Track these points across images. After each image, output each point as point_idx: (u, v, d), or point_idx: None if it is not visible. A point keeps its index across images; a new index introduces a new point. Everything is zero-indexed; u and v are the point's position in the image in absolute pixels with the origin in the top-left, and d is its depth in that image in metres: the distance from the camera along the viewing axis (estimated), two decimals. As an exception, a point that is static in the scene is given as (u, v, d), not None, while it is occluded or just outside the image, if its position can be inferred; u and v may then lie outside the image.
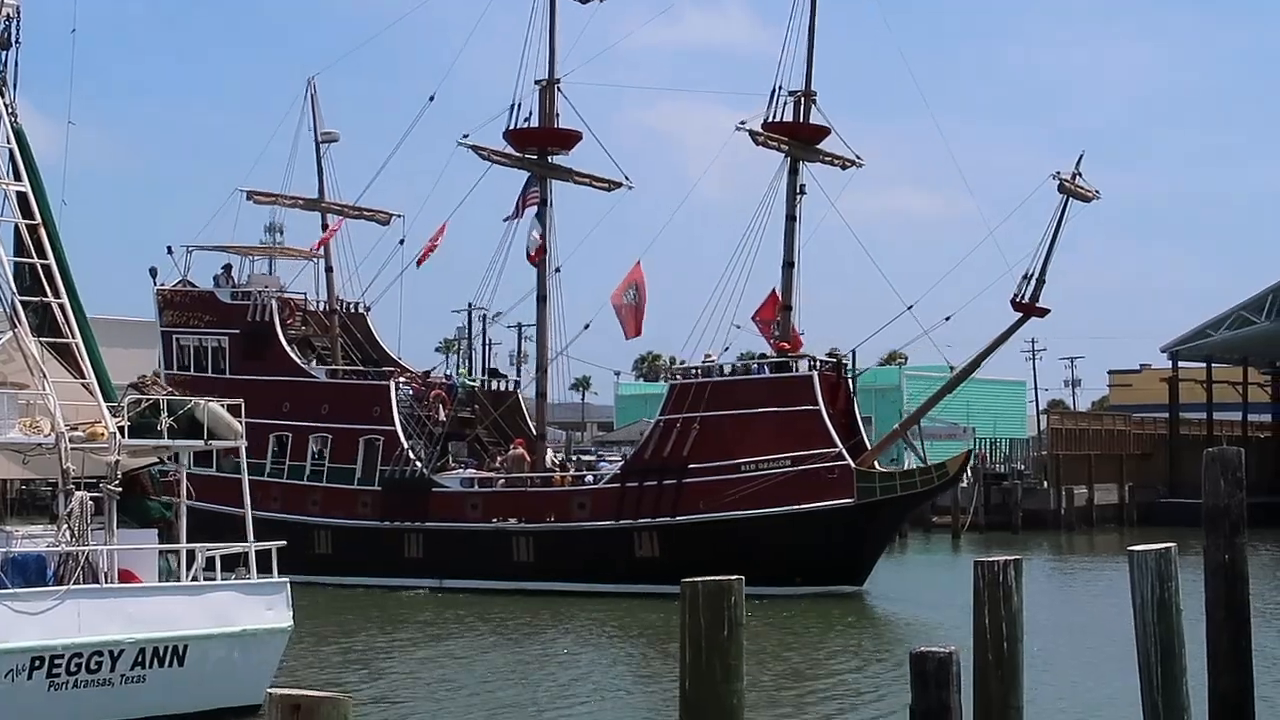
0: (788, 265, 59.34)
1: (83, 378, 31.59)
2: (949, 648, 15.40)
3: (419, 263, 63.71)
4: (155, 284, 66.37)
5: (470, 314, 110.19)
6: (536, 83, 62.37)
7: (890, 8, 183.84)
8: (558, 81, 62.33)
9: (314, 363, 65.08)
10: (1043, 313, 55.55)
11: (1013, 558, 16.33)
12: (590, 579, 56.83)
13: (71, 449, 29.94)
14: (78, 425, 30.53)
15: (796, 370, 57.96)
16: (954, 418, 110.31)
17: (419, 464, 60.66)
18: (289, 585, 31.80)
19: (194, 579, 31.26)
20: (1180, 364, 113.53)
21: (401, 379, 63.13)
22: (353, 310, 66.86)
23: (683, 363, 59.70)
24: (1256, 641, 20.11)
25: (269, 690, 9.79)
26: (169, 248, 66.28)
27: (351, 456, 61.93)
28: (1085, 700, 33.21)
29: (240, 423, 33.44)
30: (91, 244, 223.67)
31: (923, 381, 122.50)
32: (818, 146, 59.75)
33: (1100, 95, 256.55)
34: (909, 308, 57.15)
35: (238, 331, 64.66)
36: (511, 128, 62.35)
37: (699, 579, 14.67)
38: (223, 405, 33.26)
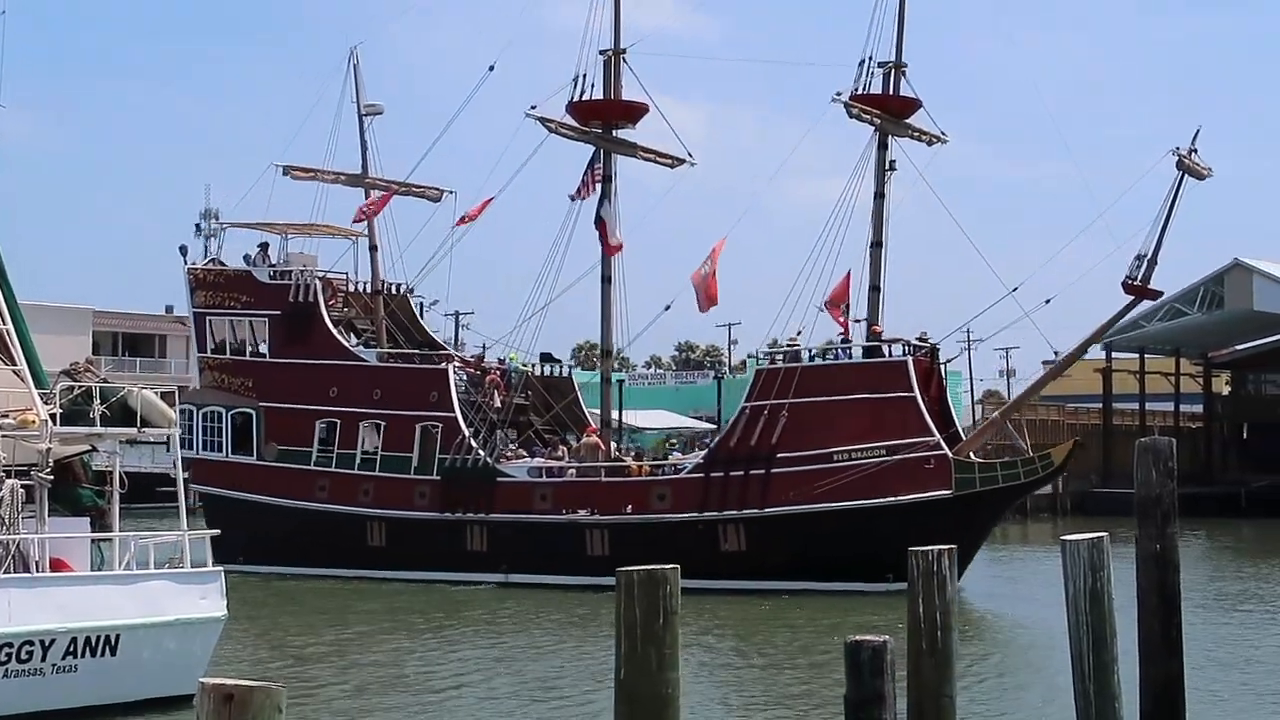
0: (875, 245, 53.47)
1: (14, 364, 30.36)
2: (883, 638, 14.83)
3: (457, 223, 57.36)
4: (185, 263, 59.41)
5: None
6: (601, 53, 56.12)
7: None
8: (623, 52, 56.06)
9: (357, 346, 58.06)
10: (1155, 295, 50.23)
11: (947, 547, 15.88)
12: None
13: (2, 436, 28.84)
14: (8, 412, 29.33)
15: (889, 355, 51.89)
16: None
17: (482, 453, 53.99)
18: (223, 574, 30.36)
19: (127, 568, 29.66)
20: (1114, 354, 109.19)
21: (456, 363, 56.31)
22: (395, 291, 59.83)
23: (775, 344, 53.29)
24: (1188, 631, 19.86)
25: (201, 679, 9.34)
26: (197, 225, 59.60)
27: (407, 445, 55.56)
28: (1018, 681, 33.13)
29: (174, 409, 31.34)
30: (119, 222, 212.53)
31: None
32: (906, 121, 53.70)
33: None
34: (1013, 290, 51.65)
35: (278, 313, 58.08)
36: (575, 99, 55.89)
37: (634, 568, 14.04)
38: (156, 392, 31.26)
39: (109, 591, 28.79)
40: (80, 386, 30.09)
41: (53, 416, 29.19)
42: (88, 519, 30.39)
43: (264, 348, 58.97)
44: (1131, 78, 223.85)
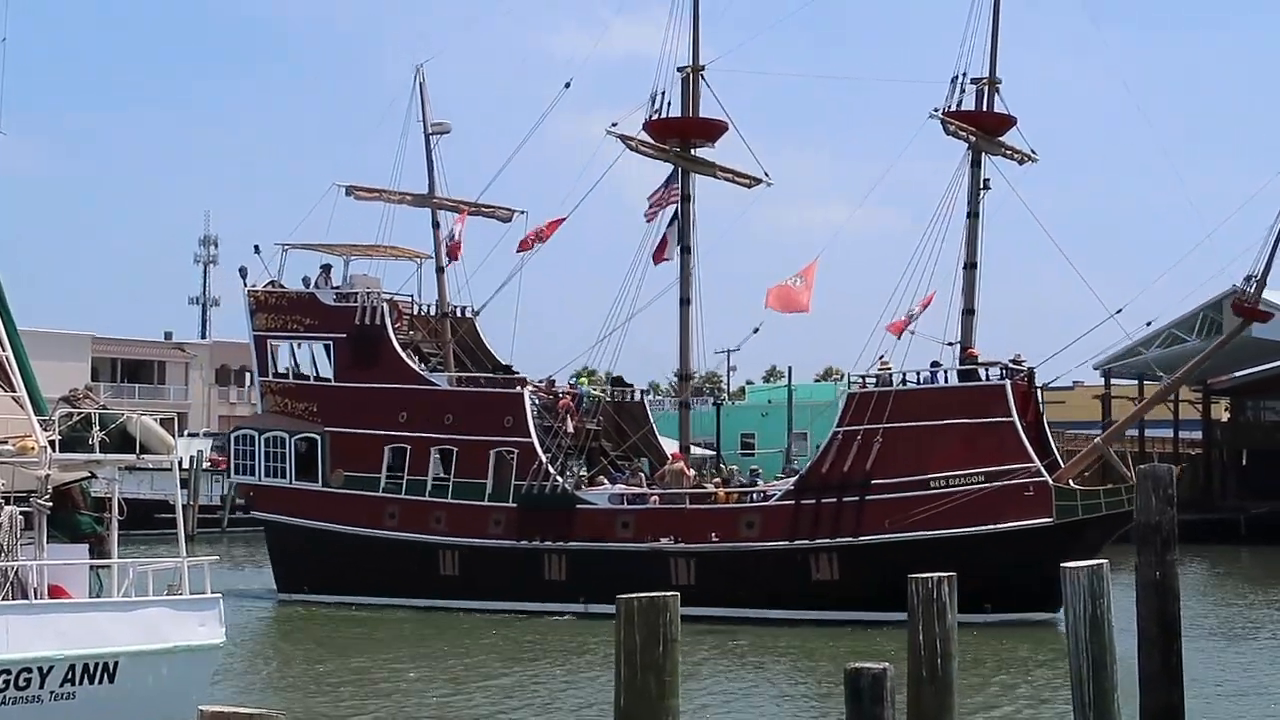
0: (969, 267, 50.44)
1: (13, 391, 29.35)
2: (883, 665, 14.49)
3: (520, 248, 54.02)
4: (245, 285, 55.86)
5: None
6: (679, 70, 52.94)
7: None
8: (702, 69, 52.94)
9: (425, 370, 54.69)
10: (1266, 317, 47.26)
11: (947, 575, 15.69)
12: (760, 604, 47.88)
13: (1, 463, 28.05)
14: (7, 439, 28.41)
15: (986, 379, 48.83)
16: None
17: (560, 479, 50.66)
18: (221, 601, 29.24)
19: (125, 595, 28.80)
20: (1112, 381, 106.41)
21: (528, 388, 52.98)
22: (459, 314, 56.41)
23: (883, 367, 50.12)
24: (1187, 660, 19.37)
25: (200, 706, 9.18)
26: (256, 246, 55.95)
27: (481, 471, 52.16)
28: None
29: (174, 436, 30.64)
30: (119, 248, 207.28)
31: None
32: (1000, 139, 50.74)
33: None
34: (1117, 312, 48.70)
35: (344, 336, 54.56)
36: (652, 117, 52.80)
37: (634, 595, 13.73)
38: (155, 418, 30.34)
39: (107, 618, 27.99)
40: (79, 413, 29.14)
41: (52, 443, 28.30)
42: (86, 546, 29.47)
43: (326, 371, 55.39)
44: (1233, 95, 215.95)
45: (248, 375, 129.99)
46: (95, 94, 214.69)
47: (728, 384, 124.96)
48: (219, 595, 29.29)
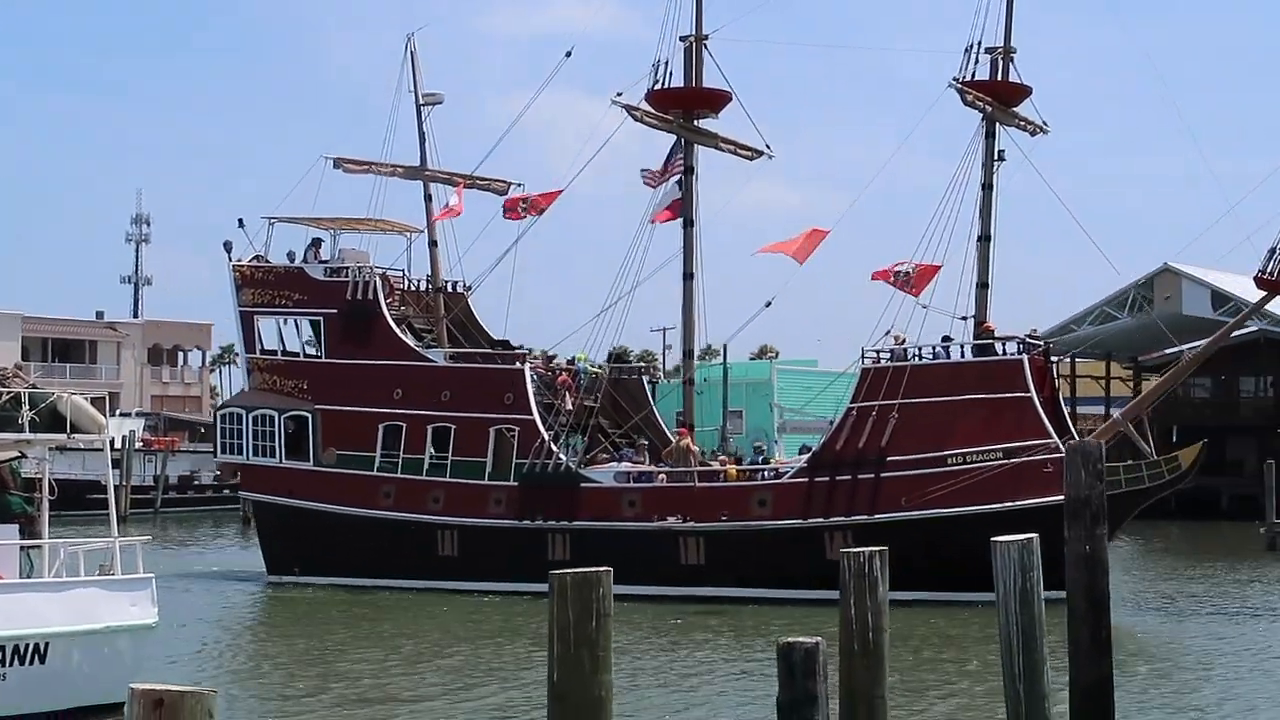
0: (984, 239, 48.28)
1: None
2: (815, 639, 14.25)
3: (506, 214, 51.18)
4: (230, 259, 52.79)
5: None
6: (681, 39, 50.37)
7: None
8: (705, 38, 50.30)
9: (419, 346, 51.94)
10: (1285, 288, 45.41)
11: (878, 549, 15.65)
12: (771, 584, 45.52)
13: None
14: None
15: (1004, 353, 46.70)
16: (824, 413, 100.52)
17: (564, 457, 48.11)
18: (154, 581, 28.64)
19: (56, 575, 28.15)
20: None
21: (528, 364, 50.40)
22: (452, 289, 53.62)
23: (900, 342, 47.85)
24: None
25: (131, 685, 8.76)
26: (240, 220, 53.10)
27: (481, 449, 49.52)
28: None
29: (105, 416, 29.87)
30: (164, 216, 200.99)
31: (793, 375, 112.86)
32: (1014, 109, 48.58)
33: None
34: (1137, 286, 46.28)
35: (334, 311, 51.66)
36: (655, 87, 50.26)
37: (566, 570, 13.42)
38: (86, 398, 29.81)
39: (38, 599, 27.51)
40: (9, 392, 28.62)
41: (-21, 423, 27.54)
42: (16, 526, 28.88)
43: (310, 348, 52.62)
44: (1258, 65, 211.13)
45: (180, 354, 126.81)
46: (29, 70, 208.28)
47: (663, 362, 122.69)
48: (151, 575, 28.70)
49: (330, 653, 36.22)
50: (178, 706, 8.35)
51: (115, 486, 31.74)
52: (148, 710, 8.50)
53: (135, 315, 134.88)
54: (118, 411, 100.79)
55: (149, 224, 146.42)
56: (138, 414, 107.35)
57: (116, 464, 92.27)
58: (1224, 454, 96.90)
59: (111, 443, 31.04)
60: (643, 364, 53.05)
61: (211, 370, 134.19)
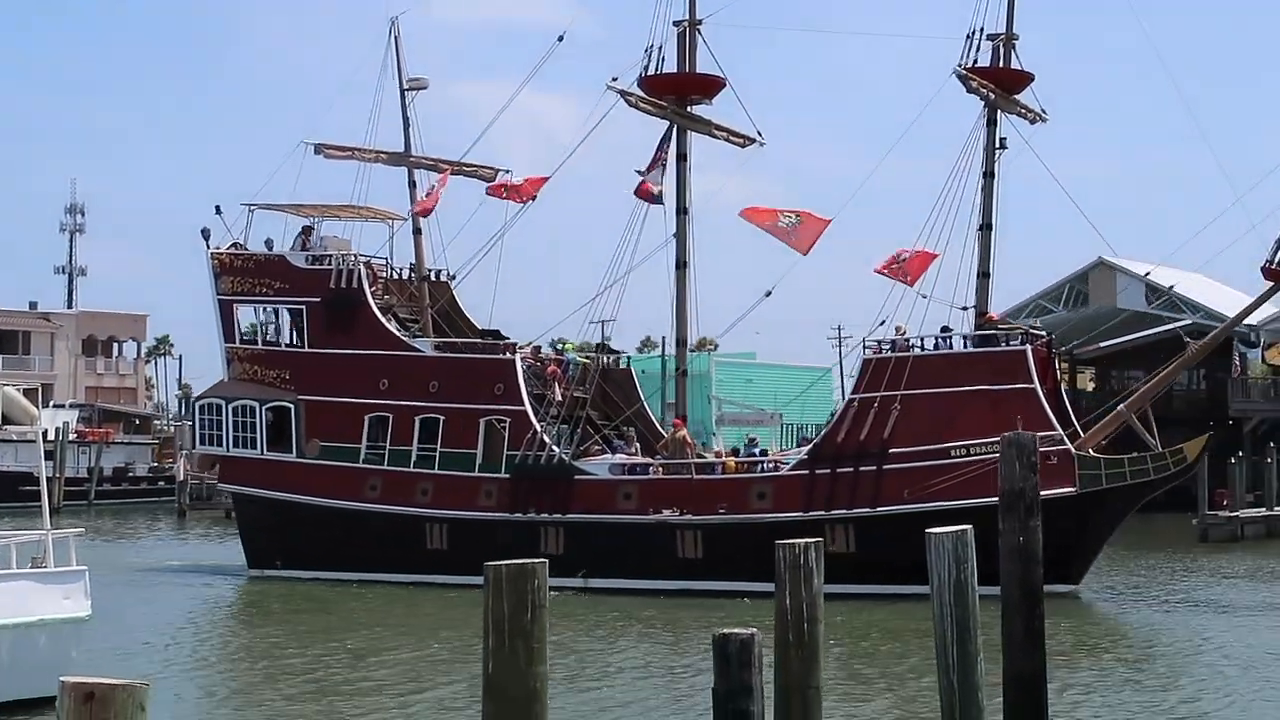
0: (985, 228, 46.79)
1: None
2: (750, 630, 14.09)
3: (489, 190, 49.44)
4: (208, 247, 50.56)
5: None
6: (675, 24, 48.64)
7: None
8: (699, 23, 48.54)
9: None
10: (1296, 280, 44.20)
11: (814, 540, 15.44)
12: (771, 578, 43.17)
13: None
14: None
15: (1007, 344, 45.27)
16: (762, 404, 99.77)
17: (557, 449, 46.27)
18: (87, 574, 28.00)
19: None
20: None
21: (519, 355, 48.53)
22: (435, 279, 51.62)
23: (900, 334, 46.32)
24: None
25: (62, 678, 8.56)
26: (217, 207, 50.98)
27: (471, 440, 47.67)
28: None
29: (38, 407, 31.14)
30: (139, 201, 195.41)
31: (731, 368, 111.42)
32: (1015, 96, 47.11)
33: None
34: (1145, 274, 45.13)
35: (317, 300, 49.56)
36: (649, 73, 48.41)
37: (502, 562, 13.07)
38: (19, 388, 31.04)
39: None
40: None
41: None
42: None
43: (302, 337, 50.52)
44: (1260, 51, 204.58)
45: (115, 345, 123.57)
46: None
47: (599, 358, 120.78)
48: (84, 568, 28.11)
49: (285, 646, 35.25)
50: (109, 700, 8.16)
51: (48, 478, 31.43)
52: (78, 703, 8.35)
53: (69, 306, 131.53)
54: (51, 403, 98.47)
55: (83, 214, 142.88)
56: (71, 405, 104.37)
57: (50, 455, 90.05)
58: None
59: (45, 434, 29.48)
60: (587, 356, 50.96)
61: (147, 362, 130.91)
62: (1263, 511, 67.47)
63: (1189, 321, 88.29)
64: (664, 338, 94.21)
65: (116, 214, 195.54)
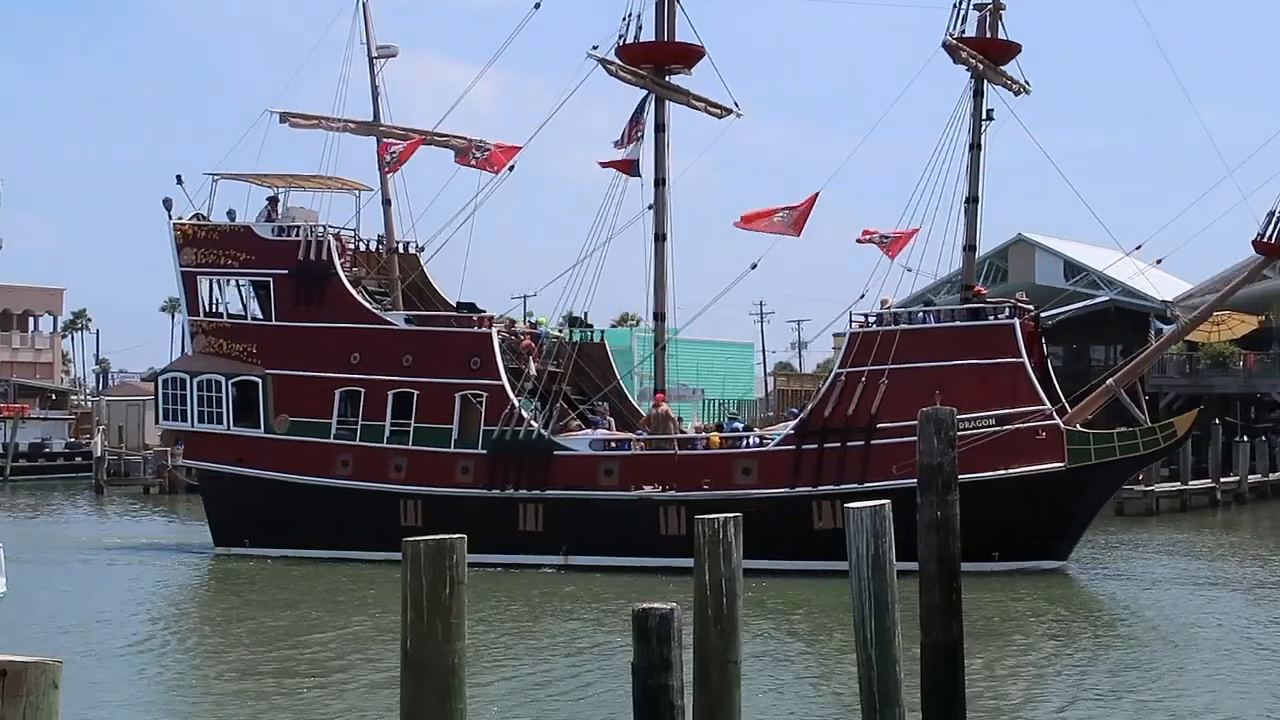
0: (971, 201, 45.44)
1: None
2: (670, 605, 14.01)
3: (458, 159, 47.50)
4: (170, 217, 48.31)
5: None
6: (653, -9, 46.92)
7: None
8: (679, -11, 46.95)
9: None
10: (1285, 251, 43.27)
11: (732, 515, 14.92)
12: (757, 555, 41.73)
13: None
14: None
15: (995, 317, 44.06)
16: (684, 379, 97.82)
17: (535, 424, 44.55)
18: (2, 550, 27.74)
19: None
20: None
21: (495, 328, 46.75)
22: (404, 250, 49.63)
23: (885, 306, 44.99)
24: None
25: None
26: (178, 176, 48.63)
27: (446, 415, 45.87)
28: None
29: None
30: (103, 171, 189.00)
31: (651, 342, 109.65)
32: (1002, 67, 45.83)
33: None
34: (1137, 248, 44.09)
35: (285, 272, 47.48)
36: (626, 41, 46.68)
37: (420, 538, 12.89)
38: None
39: None
40: None
41: None
42: None
43: (257, 309, 48.47)
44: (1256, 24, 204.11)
45: (31, 320, 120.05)
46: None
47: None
48: None
49: (226, 624, 34.55)
50: (21, 678, 7.76)
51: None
52: (-11, 681, 8.08)
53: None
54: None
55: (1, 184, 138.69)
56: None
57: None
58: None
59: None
60: (559, 330, 49.31)
61: (63, 336, 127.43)
62: (1177, 486, 67.15)
63: (1106, 298, 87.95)
64: (585, 313, 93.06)
65: (33, 185, 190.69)
